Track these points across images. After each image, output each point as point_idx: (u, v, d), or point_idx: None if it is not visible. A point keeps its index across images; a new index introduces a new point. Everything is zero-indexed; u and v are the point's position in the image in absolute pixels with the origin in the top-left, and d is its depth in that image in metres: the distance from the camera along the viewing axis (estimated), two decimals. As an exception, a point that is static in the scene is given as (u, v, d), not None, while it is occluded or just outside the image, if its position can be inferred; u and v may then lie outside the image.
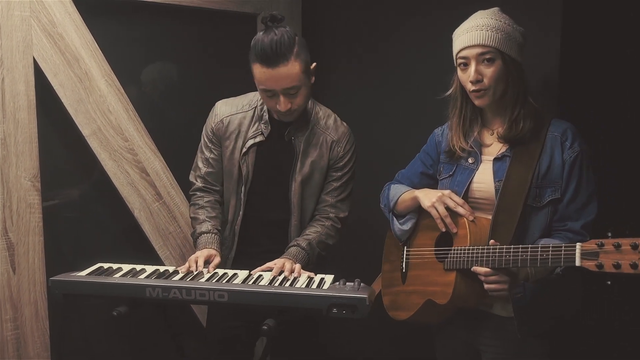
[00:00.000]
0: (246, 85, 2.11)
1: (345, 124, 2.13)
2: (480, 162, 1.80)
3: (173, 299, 1.66)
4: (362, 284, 1.70)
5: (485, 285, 1.64)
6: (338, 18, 2.89)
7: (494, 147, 1.80)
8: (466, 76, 1.71)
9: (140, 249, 2.55)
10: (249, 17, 2.76)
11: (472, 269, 1.65)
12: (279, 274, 1.83)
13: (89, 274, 1.78)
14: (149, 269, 1.85)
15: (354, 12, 2.84)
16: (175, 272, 1.83)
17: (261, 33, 1.87)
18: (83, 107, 2.34)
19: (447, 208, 1.74)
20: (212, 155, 2.14)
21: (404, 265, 1.94)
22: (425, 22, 2.58)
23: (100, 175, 2.43)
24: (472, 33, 1.68)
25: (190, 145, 2.30)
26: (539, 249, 1.50)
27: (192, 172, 2.21)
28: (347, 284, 1.70)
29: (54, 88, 2.27)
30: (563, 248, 1.45)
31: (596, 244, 1.39)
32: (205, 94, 2.66)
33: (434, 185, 1.93)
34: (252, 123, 2.07)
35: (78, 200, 2.49)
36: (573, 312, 1.83)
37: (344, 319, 1.60)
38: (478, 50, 1.68)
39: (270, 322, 1.58)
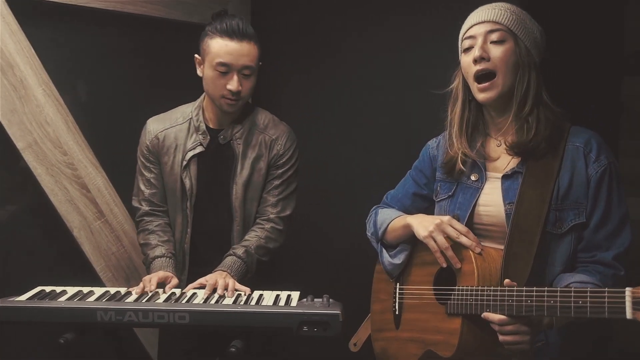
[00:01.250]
0: (193, 91, 2.04)
1: (285, 123, 2.07)
2: (486, 179, 1.52)
3: (128, 322, 1.53)
4: (331, 300, 1.62)
5: (500, 337, 1.35)
6: (287, 28, 2.84)
7: (501, 161, 1.52)
8: (470, 58, 1.46)
9: (80, 272, 2.36)
10: (196, 26, 2.66)
11: (482, 315, 1.37)
12: (213, 292, 1.71)
13: (29, 299, 1.61)
14: (98, 291, 1.70)
15: (302, 20, 2.81)
16: (128, 294, 1.69)
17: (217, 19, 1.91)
18: (17, 117, 2.16)
19: (448, 238, 1.46)
20: (152, 175, 2.03)
21: (396, 307, 1.65)
22: (381, 27, 2.58)
23: (36, 192, 2.24)
24: (482, 11, 1.48)
25: (135, 159, 2.16)
26: (572, 293, 1.22)
27: (134, 197, 2.09)
28: (316, 300, 1.62)
29: (-15, 97, 2.09)
30: (607, 294, 1.16)
31: None
32: (149, 105, 2.53)
33: (429, 209, 1.68)
34: (189, 135, 1.99)
35: (10, 219, 2.28)
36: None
37: (315, 338, 1.51)
38: (487, 27, 1.45)
39: (238, 344, 1.48)
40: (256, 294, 1.69)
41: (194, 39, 2.59)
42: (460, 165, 1.52)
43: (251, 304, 1.60)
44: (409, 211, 1.70)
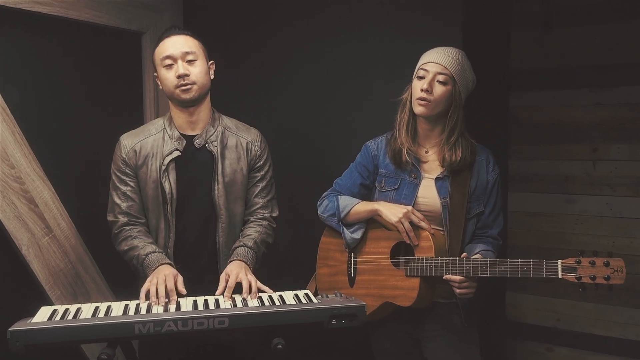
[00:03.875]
0: (132, 104, 2.08)
1: (254, 127, 2.19)
2: (422, 178, 2.03)
3: (167, 332, 1.55)
4: (343, 295, 1.79)
5: (457, 291, 1.89)
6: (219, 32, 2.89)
7: (430, 166, 2.04)
8: (420, 84, 1.94)
9: (25, 291, 2.22)
10: (135, 34, 2.63)
11: (444, 277, 1.89)
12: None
13: (50, 319, 1.55)
14: (116, 305, 1.68)
15: (234, 25, 2.88)
16: (150, 305, 1.69)
17: None
18: (-37, 129, 2.00)
19: (411, 223, 1.95)
20: (128, 188, 2.04)
21: (352, 270, 2.08)
22: (309, 24, 2.70)
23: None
24: (441, 54, 1.94)
25: (81, 169, 2.09)
26: (519, 262, 1.79)
27: (109, 213, 2.07)
28: (330, 296, 1.78)
29: None
30: (545, 263, 1.77)
31: (575, 261, 1.74)
32: (96, 114, 2.46)
33: (369, 195, 2.13)
34: (165, 142, 2.04)
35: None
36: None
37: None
38: (439, 68, 1.92)
39: (282, 341, 1.59)
40: (275, 294, 1.80)
41: (133, 47, 2.59)
42: (405, 156, 2.01)
43: (279, 304, 1.71)
44: (356, 197, 2.13)
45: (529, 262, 1.79)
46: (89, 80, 2.45)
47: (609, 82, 2.87)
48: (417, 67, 2.00)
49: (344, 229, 2.08)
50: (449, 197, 1.98)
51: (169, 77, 1.97)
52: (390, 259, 2.00)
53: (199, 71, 1.98)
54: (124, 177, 2.03)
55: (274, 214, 2.16)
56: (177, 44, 1.97)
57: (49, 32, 2.28)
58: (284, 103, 2.79)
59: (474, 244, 2.01)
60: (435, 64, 1.93)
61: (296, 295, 1.78)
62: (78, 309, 1.64)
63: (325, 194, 2.20)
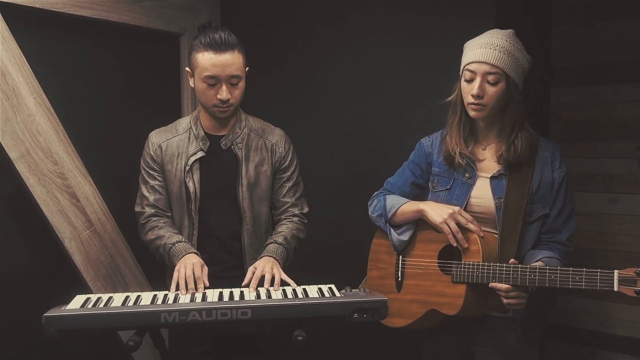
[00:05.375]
0: (171, 104, 2.12)
1: (279, 128, 2.21)
2: (477, 177, 1.87)
3: (192, 321, 1.60)
4: (367, 289, 1.80)
5: (505, 300, 1.72)
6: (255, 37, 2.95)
7: (487, 164, 1.88)
8: (469, 88, 1.78)
9: (69, 282, 2.32)
10: (173, 36, 2.72)
11: (490, 285, 1.73)
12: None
13: (82, 307, 1.63)
14: (146, 295, 1.75)
15: (269, 27, 2.94)
16: (177, 295, 1.75)
17: (202, 33, 1.98)
18: (10, 126, 2.11)
19: (458, 224, 1.80)
20: (156, 182, 2.10)
21: (399, 274, 1.98)
22: (343, 23, 2.73)
23: (28, 202, 2.19)
24: (485, 50, 1.75)
25: (121, 166, 2.17)
26: (570, 271, 1.61)
27: (137, 205, 2.13)
28: (354, 290, 1.79)
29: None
30: (599, 273, 1.57)
31: (635, 272, 1.53)
32: (136, 113, 2.56)
33: (422, 194, 2.01)
34: (190, 142, 2.08)
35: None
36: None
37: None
38: (486, 68, 1.74)
39: (303, 333, 1.61)
40: (299, 288, 1.83)
41: (172, 48, 2.67)
42: (459, 159, 1.88)
43: (301, 297, 1.74)
44: (407, 196, 2.02)
45: (582, 271, 1.60)
46: (130, 80, 2.55)
47: (654, 77, 2.77)
48: (462, 66, 1.84)
49: (391, 230, 1.98)
50: (505, 197, 1.81)
51: (209, 94, 1.96)
52: (438, 263, 1.87)
53: (239, 93, 1.99)
54: (152, 172, 2.09)
55: (304, 211, 2.19)
56: (224, 66, 1.92)
57: (91, 34, 2.39)
58: (320, 102, 2.82)
59: (537, 250, 1.82)
60: (481, 63, 1.76)
61: (320, 289, 1.80)
62: (110, 298, 1.71)
63: (375, 193, 2.11)
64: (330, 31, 2.75)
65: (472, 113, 1.82)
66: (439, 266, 1.87)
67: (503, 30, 1.82)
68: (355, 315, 1.68)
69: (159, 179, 2.10)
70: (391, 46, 2.59)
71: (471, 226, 1.80)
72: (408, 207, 1.94)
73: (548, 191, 1.82)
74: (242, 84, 2.00)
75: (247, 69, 2.03)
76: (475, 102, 1.78)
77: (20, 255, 2.25)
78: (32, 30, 2.18)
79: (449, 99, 1.92)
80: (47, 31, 2.24)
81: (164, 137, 2.10)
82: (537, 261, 1.75)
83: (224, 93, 1.94)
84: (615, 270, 1.56)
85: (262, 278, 1.87)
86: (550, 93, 3.05)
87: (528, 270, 1.68)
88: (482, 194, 1.86)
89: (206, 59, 1.92)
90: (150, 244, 2.08)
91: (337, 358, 2.84)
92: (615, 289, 1.55)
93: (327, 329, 2.54)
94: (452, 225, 1.79)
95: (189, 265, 1.86)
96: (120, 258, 2.50)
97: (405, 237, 1.94)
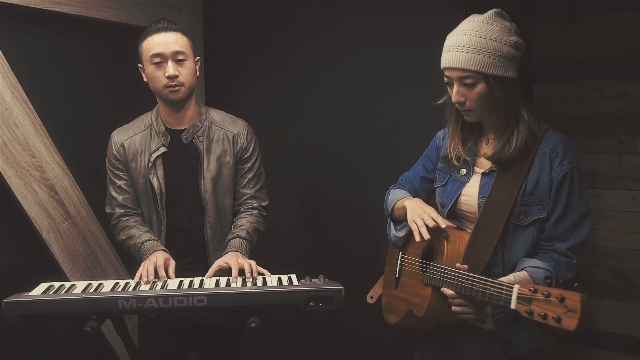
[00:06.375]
0: (150, 99, 2.17)
1: (241, 119, 2.23)
2: (472, 174, 1.74)
3: (149, 308, 1.64)
4: (326, 279, 1.82)
5: (452, 307, 1.61)
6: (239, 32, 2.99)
7: (485, 160, 1.73)
8: (451, 93, 1.65)
9: (49, 273, 2.37)
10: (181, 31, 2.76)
11: (441, 289, 1.63)
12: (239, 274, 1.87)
13: (44, 293, 1.67)
14: (107, 283, 1.79)
15: (254, 24, 2.97)
16: (139, 283, 1.79)
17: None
18: (-13, 120, 2.16)
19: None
20: (122, 182, 2.13)
21: (397, 271, 1.92)
22: (330, 26, 2.75)
23: (5, 195, 2.24)
24: (452, 53, 1.59)
25: (100, 160, 2.21)
26: (488, 282, 1.47)
27: (107, 206, 2.18)
28: (313, 280, 1.81)
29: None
30: (505, 287, 1.41)
31: (529, 290, 1.34)
32: (115, 108, 2.60)
33: (434, 190, 1.90)
34: (152, 139, 2.11)
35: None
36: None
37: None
38: (458, 73, 1.59)
39: (257, 320, 1.64)
40: (260, 277, 1.85)
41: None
42: (454, 160, 1.76)
43: (259, 285, 1.77)
44: (418, 192, 1.95)
45: (494, 283, 1.46)
46: (109, 76, 2.59)
47: (636, 72, 2.75)
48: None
49: (391, 225, 1.92)
50: (488, 196, 1.65)
51: (157, 75, 1.99)
52: (419, 263, 1.80)
53: (187, 72, 2.01)
54: (117, 172, 2.13)
55: (264, 204, 2.20)
56: (168, 43, 1.97)
57: (70, 30, 2.43)
58: (301, 103, 2.85)
59: (530, 258, 1.63)
60: (452, 69, 1.60)
61: (280, 278, 1.83)
62: (72, 285, 1.75)
63: (391, 187, 2.03)
64: (315, 31, 2.78)
65: (466, 118, 1.71)
66: (420, 266, 1.80)
67: (477, 17, 1.62)
68: (311, 304, 1.71)
69: (125, 178, 2.13)
70: (379, 44, 2.61)
71: (442, 221, 1.67)
72: (401, 203, 1.86)
73: (546, 193, 1.60)
74: (190, 65, 2.02)
75: (197, 58, 2.07)
76: (461, 108, 1.67)
77: (0, 247, 2.30)
78: (10, 26, 2.22)
79: (440, 101, 1.78)
80: (25, 27, 2.28)
81: (125, 136, 2.14)
82: (522, 270, 1.59)
83: (170, 69, 1.97)
84: (516, 286, 1.40)
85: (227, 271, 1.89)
86: (533, 88, 3.05)
87: (465, 277, 1.56)
88: (471, 191, 1.73)
89: (150, 42, 1.99)
90: (123, 244, 2.13)
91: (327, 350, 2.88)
92: (512, 306, 1.39)
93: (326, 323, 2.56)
94: (419, 222, 1.69)
95: (153, 259, 1.90)
96: (100, 250, 2.55)
97: (402, 233, 1.86)
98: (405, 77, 2.51)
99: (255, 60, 2.94)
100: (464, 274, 1.56)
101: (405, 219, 1.79)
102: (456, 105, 1.67)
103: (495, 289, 1.44)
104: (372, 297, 2.11)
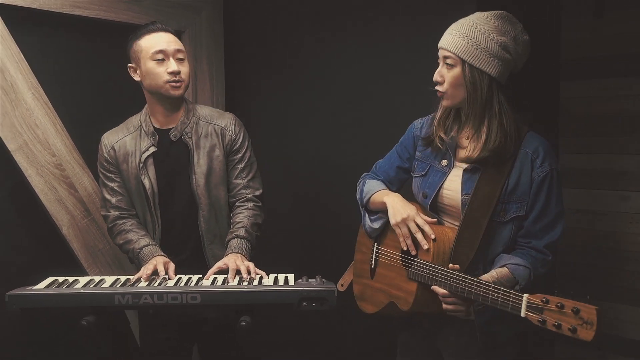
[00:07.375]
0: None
1: (228, 112, 2.25)
2: (453, 166, 1.76)
3: (144, 304, 1.68)
4: (323, 279, 1.82)
5: (443, 306, 1.63)
6: (259, 34, 3.02)
7: (467, 152, 1.75)
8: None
9: (69, 269, 2.45)
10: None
11: (431, 287, 1.65)
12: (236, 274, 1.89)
13: (47, 287, 1.74)
14: (109, 279, 1.84)
15: (273, 27, 2.99)
16: (138, 280, 1.83)
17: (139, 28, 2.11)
18: (8, 120, 2.25)
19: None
20: (115, 184, 2.17)
21: (372, 261, 1.94)
22: (345, 31, 2.75)
23: (26, 192, 2.34)
24: (445, 35, 1.68)
25: None
26: (491, 288, 1.50)
27: (102, 208, 2.23)
28: (310, 280, 1.82)
29: (-21, 100, 2.18)
30: (512, 295, 1.45)
31: (541, 300, 1.39)
32: (133, 108, 2.66)
33: (409, 180, 1.91)
34: (141, 139, 2.14)
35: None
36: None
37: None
38: (443, 52, 1.67)
39: (247, 319, 1.66)
40: (258, 277, 1.87)
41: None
42: (438, 143, 1.78)
43: (254, 284, 1.78)
44: (393, 181, 1.96)
45: (500, 290, 1.49)
46: (127, 77, 2.65)
47: (667, 69, 2.64)
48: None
49: (366, 215, 1.93)
50: (473, 194, 1.69)
51: (159, 72, 2.03)
52: (400, 256, 1.83)
53: (186, 70, 2.07)
54: (110, 174, 2.17)
55: (257, 193, 2.20)
56: (169, 41, 2.04)
57: (89, 32, 2.51)
58: (320, 102, 2.85)
59: (509, 254, 1.68)
60: (441, 48, 1.68)
61: (276, 277, 1.84)
62: (75, 280, 1.82)
63: (363, 175, 2.05)
64: (332, 34, 2.77)
65: (442, 102, 1.74)
66: (401, 259, 1.83)
67: (485, 13, 1.68)
68: (304, 304, 1.71)
69: (118, 180, 2.17)
70: (375, 39, 2.59)
71: (419, 235, 1.72)
72: (378, 196, 1.88)
73: (526, 192, 1.66)
74: (187, 64, 2.09)
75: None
76: (437, 87, 1.71)
77: (22, 243, 2.40)
78: (30, 30, 2.32)
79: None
80: (45, 30, 2.37)
81: (115, 138, 2.18)
82: (502, 266, 1.64)
83: (173, 65, 2.02)
84: (525, 295, 1.43)
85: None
86: (559, 86, 2.96)
87: (461, 278, 1.58)
88: (453, 186, 1.75)
89: (150, 39, 2.04)
90: (121, 248, 2.17)
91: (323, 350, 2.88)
92: (522, 314, 1.43)
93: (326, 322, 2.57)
94: (404, 230, 1.75)
95: (153, 262, 1.95)
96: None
97: (377, 224, 1.89)
98: (413, 81, 2.47)
99: (276, 60, 2.96)
100: (462, 277, 1.58)
101: (381, 211, 1.85)
102: (434, 83, 1.71)
103: (501, 296, 1.47)
104: (342, 285, 2.09)
